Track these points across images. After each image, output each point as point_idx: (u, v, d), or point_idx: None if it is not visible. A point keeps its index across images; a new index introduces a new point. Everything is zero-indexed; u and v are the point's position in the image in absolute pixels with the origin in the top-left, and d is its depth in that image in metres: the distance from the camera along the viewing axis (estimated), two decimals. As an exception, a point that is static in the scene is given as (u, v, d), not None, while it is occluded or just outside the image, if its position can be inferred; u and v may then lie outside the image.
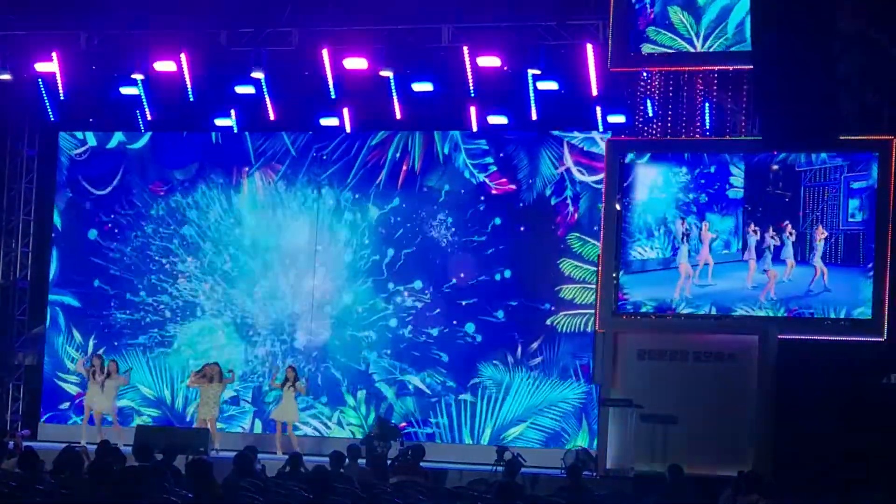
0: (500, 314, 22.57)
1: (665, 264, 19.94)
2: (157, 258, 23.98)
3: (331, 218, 23.37)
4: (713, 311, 19.68)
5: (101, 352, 23.20)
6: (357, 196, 23.25)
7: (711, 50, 19.51)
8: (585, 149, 22.35)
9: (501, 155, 22.75)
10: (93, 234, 24.18)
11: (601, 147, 21.47)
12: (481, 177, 22.79)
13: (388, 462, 18.28)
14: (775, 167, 19.60)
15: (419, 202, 22.97)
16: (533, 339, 22.35)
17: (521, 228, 22.60)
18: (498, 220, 22.68)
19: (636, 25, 19.79)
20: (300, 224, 23.50)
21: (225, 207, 23.80)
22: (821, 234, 19.32)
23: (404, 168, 23.06)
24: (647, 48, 19.81)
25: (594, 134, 22.17)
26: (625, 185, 20.07)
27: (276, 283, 23.55)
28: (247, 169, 23.73)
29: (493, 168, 22.78)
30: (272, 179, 23.65)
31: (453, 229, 22.83)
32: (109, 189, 24.18)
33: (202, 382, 21.87)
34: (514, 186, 22.67)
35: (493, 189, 22.75)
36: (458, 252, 22.79)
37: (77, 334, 24.11)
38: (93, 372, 22.27)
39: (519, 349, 22.39)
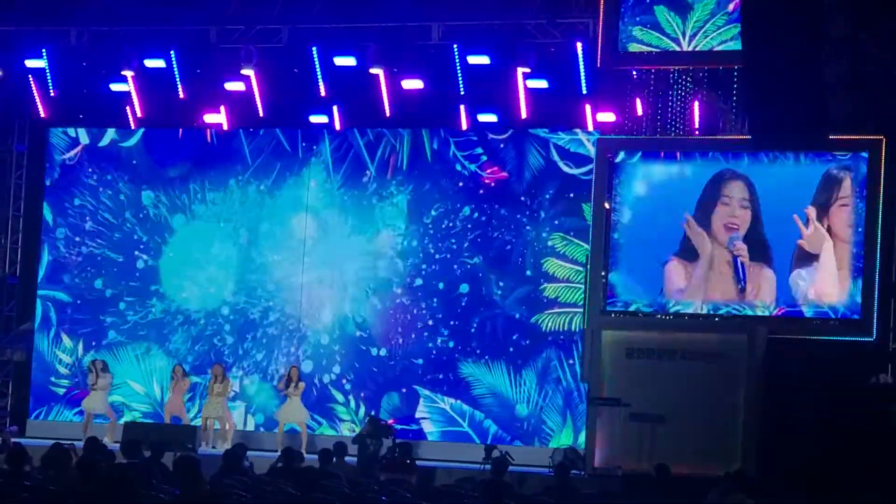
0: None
1: (656, 263, 19.95)
2: (144, 256, 23.94)
3: (322, 211, 23.32)
4: (703, 311, 19.71)
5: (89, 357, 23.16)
6: (346, 190, 23.22)
7: (698, 49, 19.57)
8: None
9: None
10: (82, 228, 24.19)
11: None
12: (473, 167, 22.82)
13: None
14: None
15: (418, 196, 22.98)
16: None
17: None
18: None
19: (625, 24, 19.82)
20: (292, 219, 23.45)
21: (216, 205, 23.76)
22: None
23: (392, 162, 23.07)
24: (633, 47, 19.85)
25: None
26: (615, 183, 20.08)
27: (263, 280, 23.51)
28: (237, 166, 23.72)
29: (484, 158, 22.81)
30: (264, 175, 23.61)
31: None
32: (98, 186, 24.21)
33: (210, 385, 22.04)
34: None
35: (486, 179, 22.72)
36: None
37: (65, 332, 24.15)
38: (93, 375, 22.36)
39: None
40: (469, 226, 22.69)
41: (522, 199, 22.51)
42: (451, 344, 22.61)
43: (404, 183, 23.03)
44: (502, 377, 22.35)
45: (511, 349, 22.39)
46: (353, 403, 22.86)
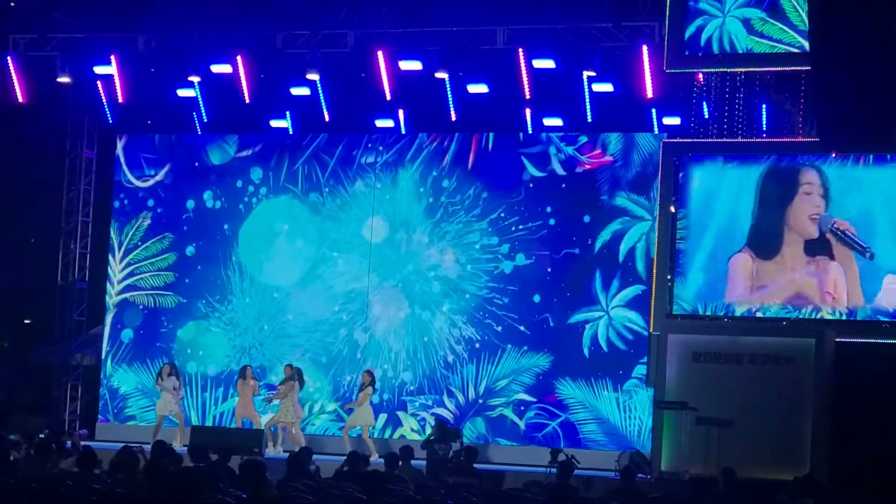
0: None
1: (722, 266, 19.81)
2: (203, 260, 24.07)
3: (393, 212, 23.25)
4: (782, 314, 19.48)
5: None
6: (418, 189, 23.16)
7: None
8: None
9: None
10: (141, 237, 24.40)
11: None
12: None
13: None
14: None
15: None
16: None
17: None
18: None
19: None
20: (361, 221, 23.41)
21: (281, 208, 23.82)
22: None
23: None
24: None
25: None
26: (681, 186, 19.95)
27: (329, 284, 23.48)
28: (297, 167, 23.71)
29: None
30: (331, 177, 23.62)
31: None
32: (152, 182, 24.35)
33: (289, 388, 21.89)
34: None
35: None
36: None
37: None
38: (159, 378, 22.55)
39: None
40: (558, 219, 22.35)
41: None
42: (529, 354, 22.28)
43: (480, 178, 22.77)
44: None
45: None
46: (428, 427, 22.03)
